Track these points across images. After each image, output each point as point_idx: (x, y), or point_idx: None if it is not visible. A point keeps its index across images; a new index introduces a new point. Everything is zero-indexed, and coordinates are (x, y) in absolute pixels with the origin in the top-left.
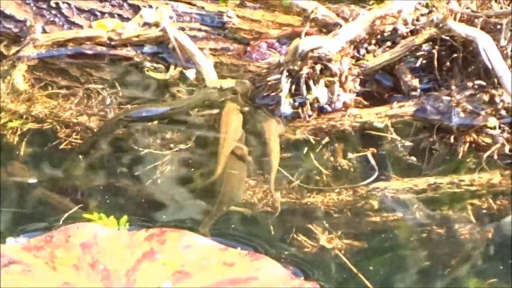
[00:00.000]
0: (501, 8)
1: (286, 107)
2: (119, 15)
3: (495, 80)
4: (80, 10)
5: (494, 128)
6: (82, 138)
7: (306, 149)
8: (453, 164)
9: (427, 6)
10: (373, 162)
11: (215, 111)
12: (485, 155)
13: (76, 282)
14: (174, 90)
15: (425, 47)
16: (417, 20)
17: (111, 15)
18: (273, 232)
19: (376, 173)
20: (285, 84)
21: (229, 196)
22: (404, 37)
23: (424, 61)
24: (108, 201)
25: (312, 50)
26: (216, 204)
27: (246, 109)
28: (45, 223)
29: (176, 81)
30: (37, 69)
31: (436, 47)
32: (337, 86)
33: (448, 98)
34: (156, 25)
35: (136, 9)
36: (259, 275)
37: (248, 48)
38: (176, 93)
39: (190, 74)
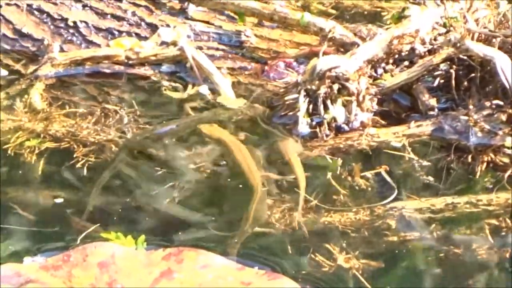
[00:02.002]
0: None
1: (303, 127)
2: (137, 34)
3: None
4: (98, 29)
5: None
6: (99, 157)
7: (323, 168)
8: (471, 183)
9: (444, 25)
10: (389, 180)
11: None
12: (506, 175)
13: None
14: (187, 108)
15: (443, 66)
16: (435, 39)
17: (129, 34)
18: (290, 252)
19: (395, 192)
20: (303, 104)
21: (255, 217)
22: (421, 57)
23: (442, 81)
24: (125, 220)
25: (329, 70)
26: (242, 226)
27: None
28: (63, 243)
29: (193, 100)
30: (55, 88)
31: (454, 66)
32: (354, 105)
33: (466, 117)
34: (174, 44)
35: (154, 28)
36: None
37: (266, 68)
38: (188, 111)
39: (204, 90)
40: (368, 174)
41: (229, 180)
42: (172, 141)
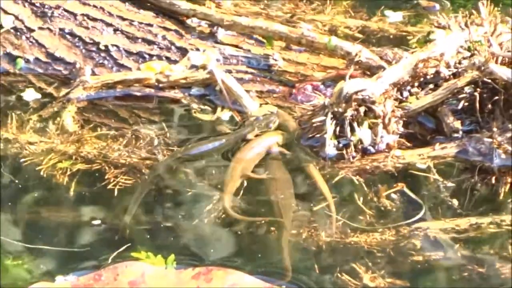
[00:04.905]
0: None
1: (330, 149)
2: (167, 58)
3: None
4: (129, 53)
5: None
6: (130, 178)
7: (349, 189)
8: (494, 204)
9: (469, 49)
10: (416, 198)
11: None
12: None
13: None
14: (221, 128)
15: (467, 89)
16: (459, 63)
17: (159, 57)
18: (317, 271)
19: (424, 209)
20: (330, 126)
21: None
22: (446, 80)
23: (466, 104)
24: (156, 240)
25: (356, 93)
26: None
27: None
28: (94, 262)
29: (223, 122)
30: (86, 111)
31: (478, 89)
32: (380, 127)
33: (490, 139)
34: (204, 67)
35: (183, 52)
36: None
37: (294, 90)
38: (224, 130)
39: (225, 116)
40: (393, 194)
41: (256, 198)
42: (201, 163)
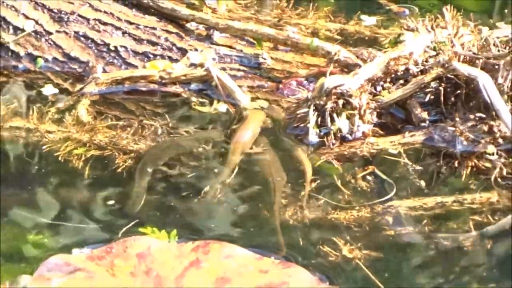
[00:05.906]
0: (498, 51)
1: (313, 137)
2: (169, 57)
3: (493, 113)
4: (135, 53)
5: (493, 154)
6: (137, 163)
7: (330, 172)
8: (457, 185)
9: (434, 49)
10: (387, 179)
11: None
12: (492, 177)
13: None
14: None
15: (433, 84)
16: (426, 61)
17: (162, 57)
18: (302, 244)
19: (395, 188)
20: (312, 117)
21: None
22: (414, 76)
23: (432, 97)
24: (160, 217)
25: (335, 87)
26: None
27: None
28: (106, 236)
29: (218, 113)
30: (98, 104)
31: (443, 84)
32: (357, 118)
33: (453, 128)
34: (201, 65)
35: (183, 52)
36: (290, 280)
37: (280, 86)
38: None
39: (222, 108)
40: (368, 176)
41: (249, 183)
42: (199, 149)
